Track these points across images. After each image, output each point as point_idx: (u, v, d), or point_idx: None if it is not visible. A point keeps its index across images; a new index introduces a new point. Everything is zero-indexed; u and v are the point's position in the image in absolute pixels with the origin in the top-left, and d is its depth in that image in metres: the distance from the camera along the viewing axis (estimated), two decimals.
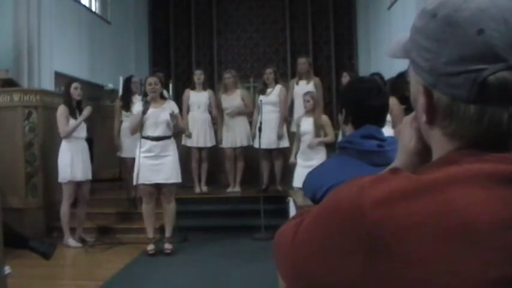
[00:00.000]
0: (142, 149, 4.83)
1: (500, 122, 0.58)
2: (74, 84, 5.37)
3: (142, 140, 4.86)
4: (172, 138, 4.96)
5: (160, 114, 4.85)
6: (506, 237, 0.52)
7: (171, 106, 4.96)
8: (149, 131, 4.84)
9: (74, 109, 5.33)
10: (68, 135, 5.24)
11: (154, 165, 4.82)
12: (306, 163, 5.15)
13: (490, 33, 0.57)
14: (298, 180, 5.16)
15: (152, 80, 4.94)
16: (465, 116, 0.59)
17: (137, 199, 6.23)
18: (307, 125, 5.28)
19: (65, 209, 5.29)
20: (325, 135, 5.26)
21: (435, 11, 0.61)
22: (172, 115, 4.80)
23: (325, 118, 5.37)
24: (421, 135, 0.69)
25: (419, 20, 0.63)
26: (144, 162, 4.82)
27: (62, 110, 5.25)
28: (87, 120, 5.56)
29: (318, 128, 5.21)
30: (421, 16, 0.63)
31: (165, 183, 4.88)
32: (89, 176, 5.45)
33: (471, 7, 0.58)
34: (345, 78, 5.99)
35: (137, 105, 6.03)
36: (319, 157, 5.15)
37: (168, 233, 5.06)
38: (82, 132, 5.39)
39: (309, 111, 5.30)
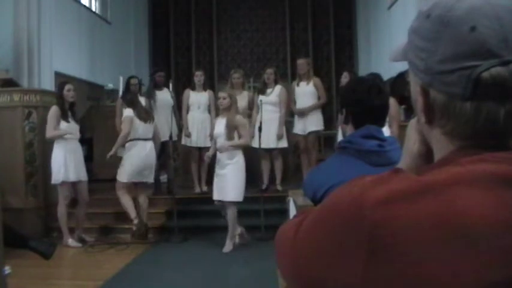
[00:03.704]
0: None
1: (496, 119, 0.58)
2: (67, 86, 5.32)
3: None
4: (128, 143, 5.44)
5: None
6: (506, 239, 0.52)
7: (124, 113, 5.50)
8: None
9: (66, 111, 5.29)
10: (52, 139, 5.22)
11: None
12: (220, 171, 4.96)
13: (483, 30, 0.57)
14: (215, 191, 5.02)
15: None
16: (461, 114, 0.59)
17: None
18: (220, 126, 4.95)
19: (61, 210, 5.27)
20: (240, 137, 4.93)
21: (429, 11, 0.62)
22: None
23: (239, 118, 5.03)
24: (424, 138, 0.69)
25: (416, 20, 0.64)
26: None
27: (53, 112, 5.21)
28: (87, 121, 5.56)
29: (231, 129, 4.87)
30: (417, 17, 0.64)
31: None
32: (83, 177, 5.43)
33: (464, 6, 0.59)
34: (345, 79, 5.99)
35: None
36: (234, 163, 4.92)
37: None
38: (75, 133, 5.37)
39: (224, 110, 4.96)
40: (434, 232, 0.52)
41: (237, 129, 4.92)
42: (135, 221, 5.36)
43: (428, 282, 0.52)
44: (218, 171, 5.01)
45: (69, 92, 5.30)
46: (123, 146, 5.43)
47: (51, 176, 5.30)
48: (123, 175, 5.45)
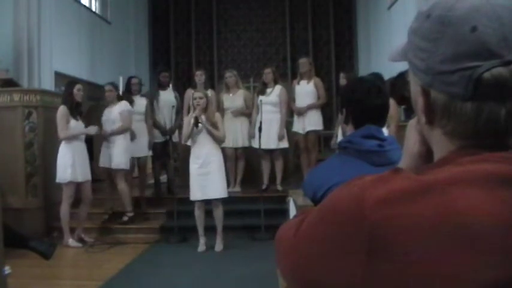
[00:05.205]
0: None
1: (497, 119, 0.58)
2: (78, 86, 5.37)
3: None
4: (121, 134, 5.67)
5: (110, 114, 5.69)
6: (506, 239, 0.52)
7: (119, 106, 5.70)
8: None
9: (74, 110, 5.32)
10: (66, 139, 5.24)
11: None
12: (202, 170, 4.93)
13: (483, 30, 0.57)
14: (196, 191, 4.98)
15: (106, 88, 5.82)
16: (462, 114, 0.59)
17: (143, 198, 6.28)
18: (199, 124, 4.95)
19: (64, 209, 5.29)
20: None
21: (429, 11, 0.61)
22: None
23: (218, 116, 5.17)
24: (424, 138, 0.69)
25: (415, 21, 0.64)
26: None
27: (62, 112, 5.22)
28: (86, 121, 5.58)
29: (213, 126, 4.99)
30: (416, 17, 0.64)
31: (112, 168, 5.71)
32: (89, 177, 5.47)
33: (464, 6, 0.59)
34: (343, 80, 6.00)
35: (138, 104, 6.08)
36: (217, 159, 4.98)
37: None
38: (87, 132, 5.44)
39: (201, 110, 4.96)
40: (434, 232, 0.52)
41: (216, 125, 5.03)
42: (131, 214, 5.80)
43: (429, 282, 0.52)
44: (200, 170, 4.95)
45: (79, 91, 5.35)
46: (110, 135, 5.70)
47: (54, 175, 5.31)
48: (124, 162, 5.66)
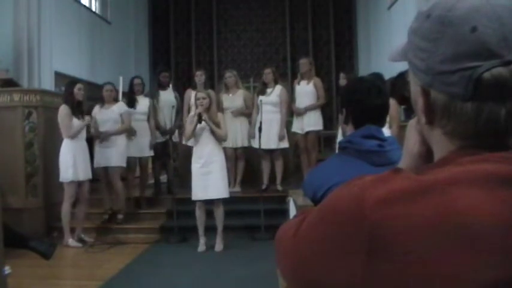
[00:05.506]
0: None
1: (497, 119, 0.58)
2: (78, 85, 5.39)
3: None
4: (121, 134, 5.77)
5: (110, 114, 5.70)
6: (506, 239, 0.52)
7: (118, 107, 5.79)
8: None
9: (75, 109, 5.33)
10: (73, 137, 5.25)
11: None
12: (204, 169, 4.94)
13: (483, 30, 0.57)
14: (198, 191, 4.98)
15: (106, 87, 5.83)
16: (462, 114, 0.59)
17: (143, 198, 6.28)
18: (202, 123, 5.02)
19: (66, 208, 5.30)
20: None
21: (429, 11, 0.61)
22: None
23: (220, 115, 5.22)
24: (424, 138, 0.69)
25: (415, 21, 0.64)
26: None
27: (65, 111, 5.25)
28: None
29: (216, 125, 5.03)
30: (416, 17, 0.64)
31: (110, 166, 5.69)
32: (90, 176, 5.48)
33: (464, 6, 0.59)
34: (343, 80, 6.00)
35: (141, 104, 6.09)
36: (219, 159, 5.00)
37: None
38: (82, 132, 5.42)
39: (204, 110, 5.02)
40: (434, 232, 0.52)
41: (219, 125, 5.06)
42: (123, 212, 5.84)
43: (429, 282, 0.52)
44: (202, 169, 4.97)
45: (79, 90, 5.37)
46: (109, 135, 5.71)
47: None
48: (123, 159, 5.75)
